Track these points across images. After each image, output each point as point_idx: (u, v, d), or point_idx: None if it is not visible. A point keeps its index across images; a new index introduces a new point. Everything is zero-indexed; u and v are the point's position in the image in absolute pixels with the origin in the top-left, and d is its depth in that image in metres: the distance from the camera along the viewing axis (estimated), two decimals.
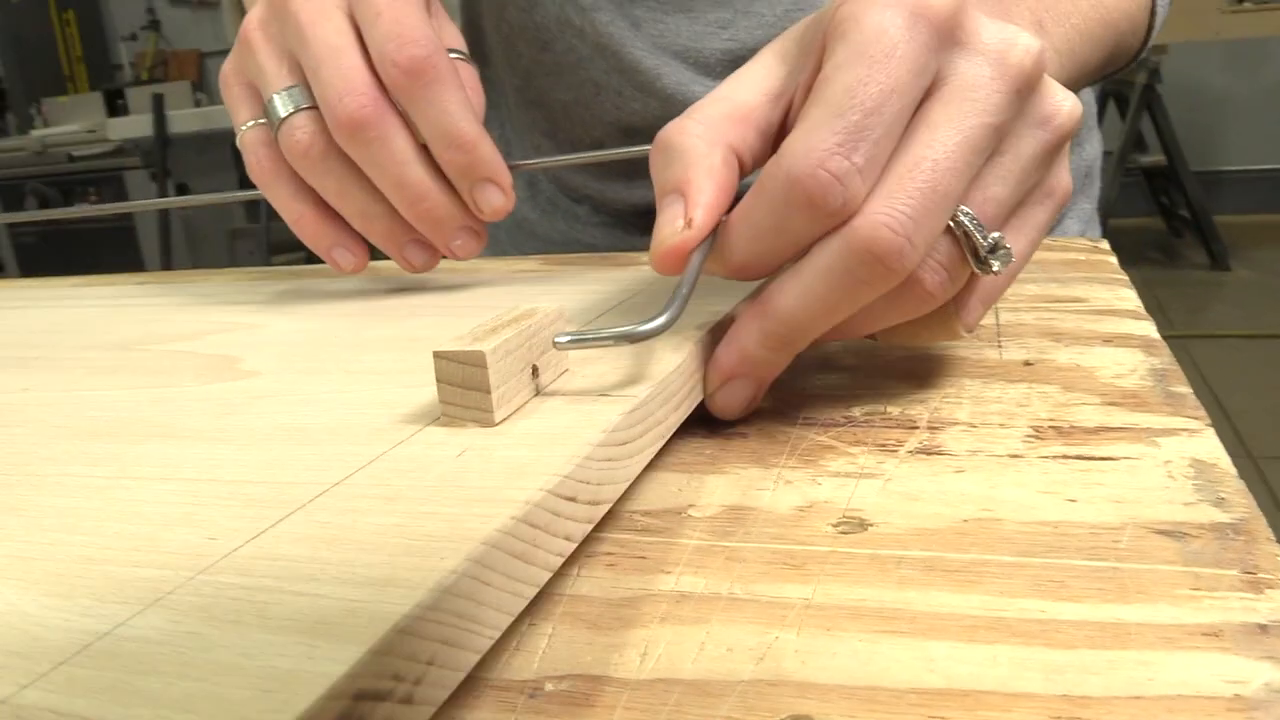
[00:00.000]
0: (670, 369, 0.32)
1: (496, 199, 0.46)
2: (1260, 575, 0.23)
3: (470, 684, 0.22)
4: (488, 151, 0.45)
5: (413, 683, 0.18)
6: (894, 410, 0.34)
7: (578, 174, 0.72)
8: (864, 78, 0.30)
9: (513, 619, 0.22)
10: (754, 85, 0.35)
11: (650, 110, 0.65)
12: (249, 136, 0.47)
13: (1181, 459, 0.29)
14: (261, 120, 0.47)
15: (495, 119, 0.76)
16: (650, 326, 0.30)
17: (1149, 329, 0.40)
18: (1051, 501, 0.27)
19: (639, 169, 0.69)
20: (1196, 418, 0.32)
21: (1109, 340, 0.39)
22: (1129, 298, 0.44)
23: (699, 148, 0.33)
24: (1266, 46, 4.02)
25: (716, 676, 0.21)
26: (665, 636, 0.23)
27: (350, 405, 0.31)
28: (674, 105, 0.64)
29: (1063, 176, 0.35)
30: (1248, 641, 0.21)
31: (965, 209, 0.31)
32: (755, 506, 0.29)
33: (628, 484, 0.28)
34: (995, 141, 0.32)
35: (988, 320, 0.42)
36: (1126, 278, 0.48)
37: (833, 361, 0.40)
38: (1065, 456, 0.30)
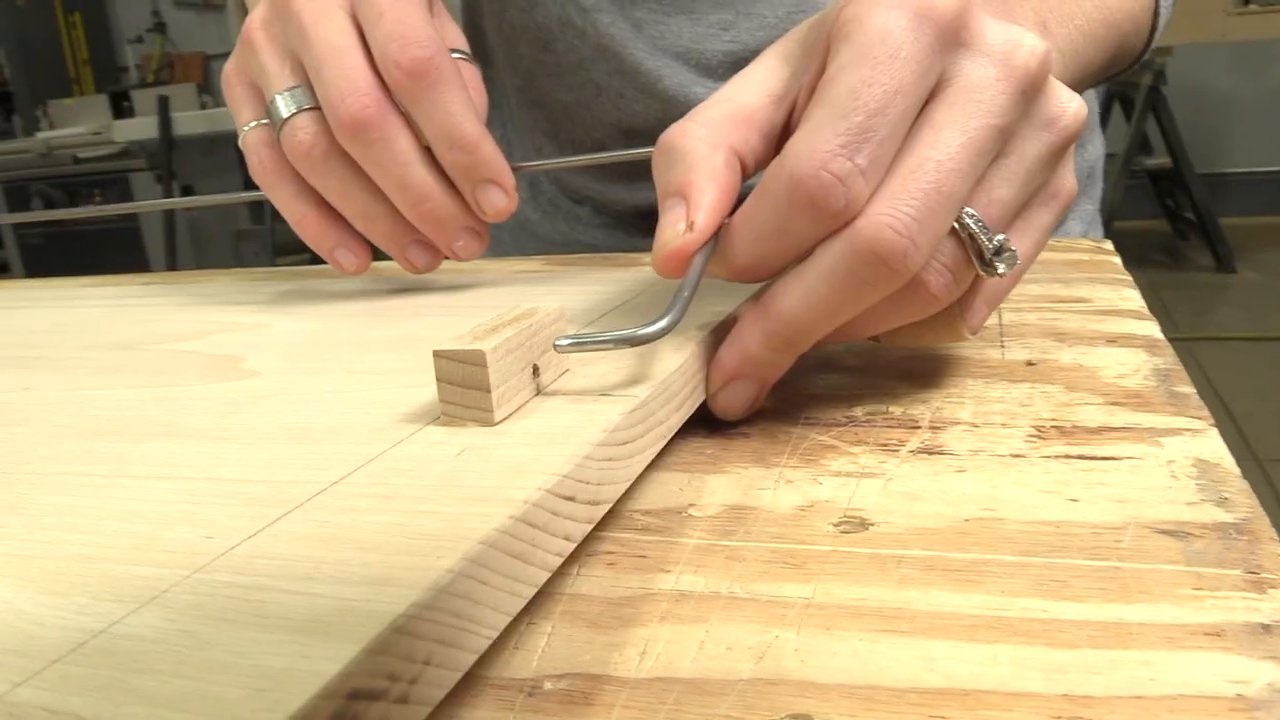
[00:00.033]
0: (672, 369, 0.31)
1: (499, 200, 0.45)
2: (1263, 575, 0.23)
3: (469, 682, 0.22)
4: (490, 152, 0.44)
5: (408, 682, 0.18)
6: (896, 410, 0.34)
7: (579, 175, 0.72)
8: (868, 79, 0.30)
9: (511, 619, 0.22)
10: (757, 87, 0.35)
11: (652, 112, 0.65)
12: (251, 137, 0.47)
13: (1185, 459, 0.29)
14: (264, 121, 0.47)
15: (497, 119, 0.76)
16: (652, 330, 0.30)
17: (1152, 329, 0.40)
18: (1054, 501, 0.27)
19: (641, 170, 0.69)
20: (1200, 418, 0.31)
21: (1112, 340, 0.39)
22: (1132, 298, 0.44)
23: (701, 150, 0.33)
24: (1272, 48, 4.01)
25: (715, 675, 0.21)
26: (665, 635, 0.23)
27: (351, 405, 0.31)
28: (675, 107, 0.64)
29: (1067, 178, 0.34)
30: (1250, 641, 0.21)
31: (970, 211, 0.31)
32: (756, 506, 0.28)
33: (628, 484, 0.28)
34: (1000, 143, 0.31)
35: (991, 321, 0.42)
36: (1130, 278, 0.47)
37: (835, 362, 0.40)
38: (1068, 456, 0.30)
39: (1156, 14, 0.62)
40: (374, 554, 0.20)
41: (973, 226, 0.31)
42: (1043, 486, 0.28)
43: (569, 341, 0.30)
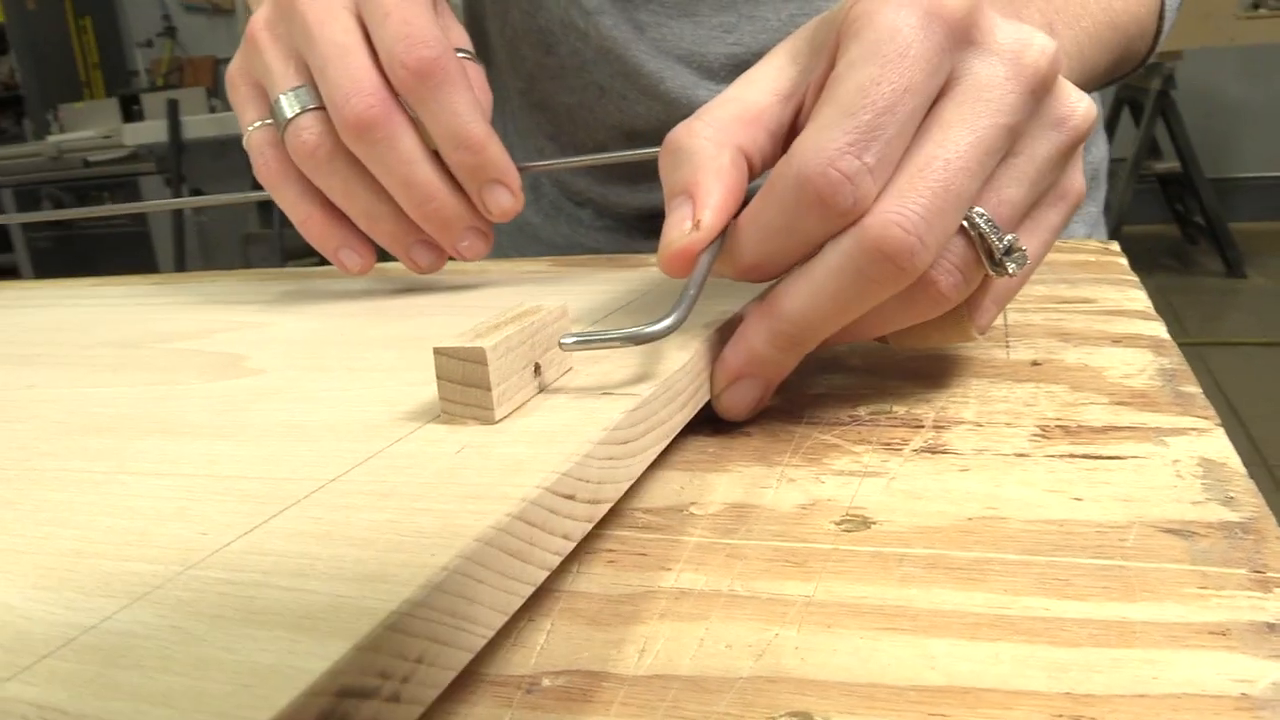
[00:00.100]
0: (676, 368, 0.31)
1: (505, 200, 0.45)
2: (1269, 574, 0.23)
3: (467, 679, 0.22)
4: (497, 152, 0.44)
5: (400, 680, 0.17)
6: (899, 410, 0.34)
7: (581, 177, 0.72)
8: (876, 77, 0.30)
9: (508, 617, 0.22)
10: (764, 86, 0.35)
11: (654, 114, 0.65)
12: (255, 137, 0.47)
13: (1190, 458, 0.29)
14: (268, 121, 0.47)
15: (499, 121, 0.76)
16: (657, 328, 0.30)
17: (1158, 329, 0.39)
18: (1057, 500, 0.27)
19: (642, 172, 0.68)
20: (1206, 417, 0.31)
21: (1118, 340, 0.39)
22: (1138, 298, 0.44)
23: (707, 149, 0.33)
24: None
25: (715, 673, 0.21)
26: (664, 633, 0.23)
27: (351, 403, 0.31)
28: (678, 109, 0.64)
29: (1076, 178, 0.34)
30: (1255, 640, 0.21)
31: (980, 210, 0.31)
32: (758, 504, 0.28)
33: (630, 483, 0.28)
34: (1009, 142, 0.31)
35: (996, 321, 0.42)
36: (1136, 279, 0.47)
37: (839, 362, 0.39)
38: (1072, 455, 0.29)
39: (1162, 17, 0.62)
40: (368, 551, 0.20)
41: (983, 226, 0.31)
42: (1047, 485, 0.28)
43: (574, 340, 0.30)
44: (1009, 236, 0.31)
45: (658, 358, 0.32)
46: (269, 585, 0.19)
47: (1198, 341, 2.88)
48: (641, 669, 0.22)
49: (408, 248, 0.47)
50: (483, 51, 0.74)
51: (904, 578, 0.24)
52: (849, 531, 0.26)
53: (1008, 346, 0.39)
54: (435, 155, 0.44)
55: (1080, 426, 0.31)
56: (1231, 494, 0.26)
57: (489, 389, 0.27)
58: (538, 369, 0.30)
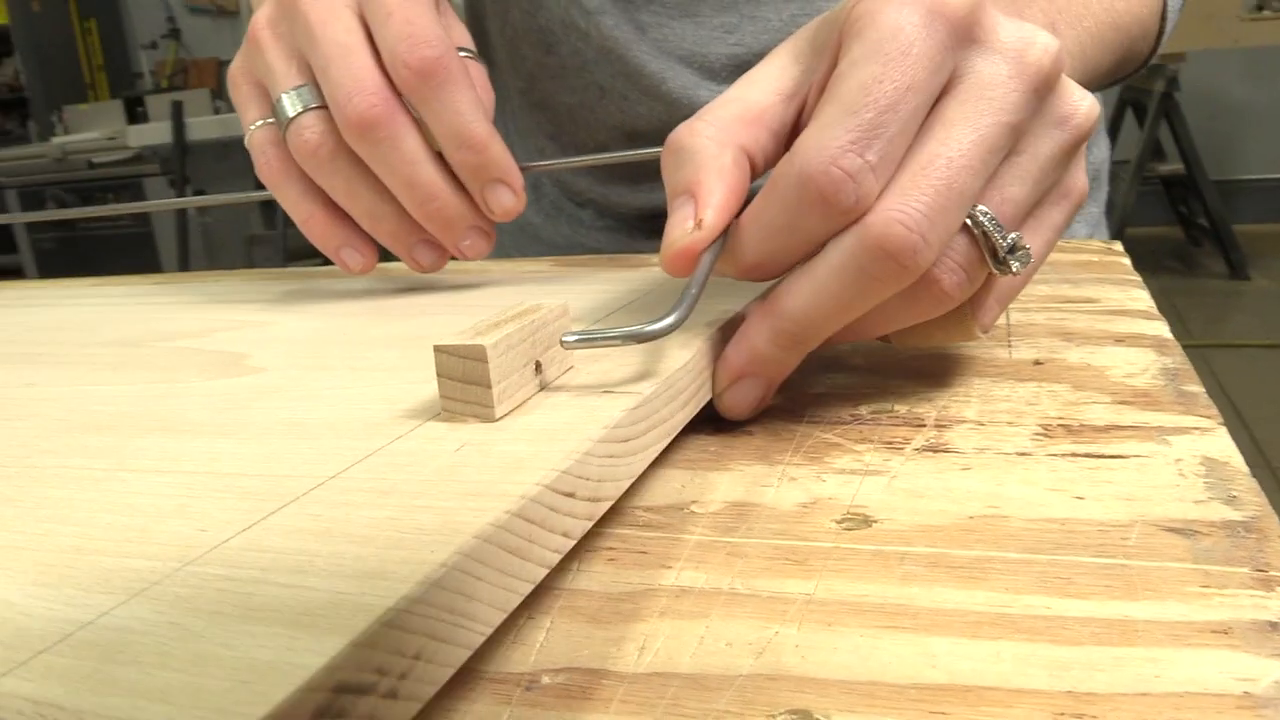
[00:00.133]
0: (677, 366, 0.31)
1: (507, 199, 0.45)
2: (1272, 573, 0.23)
3: (466, 676, 0.22)
4: (499, 152, 0.44)
5: (398, 677, 0.17)
6: (901, 409, 0.34)
7: (582, 177, 0.72)
8: (879, 75, 0.30)
9: (506, 615, 0.21)
10: (767, 85, 0.35)
11: (655, 114, 0.65)
12: (257, 136, 0.47)
13: (1193, 457, 0.28)
14: (270, 120, 0.47)
15: (499, 121, 0.76)
16: (658, 326, 0.30)
17: (1161, 329, 0.39)
18: (1059, 499, 0.27)
19: (643, 172, 0.68)
20: (1208, 416, 0.31)
21: (1120, 340, 0.38)
22: (1141, 298, 0.44)
23: (710, 149, 0.33)
24: None
25: (715, 670, 0.21)
26: (664, 631, 0.23)
27: (352, 401, 0.31)
28: (679, 109, 0.64)
29: (1080, 177, 0.34)
30: (1258, 639, 0.21)
31: (983, 208, 0.31)
32: (759, 503, 0.28)
33: (630, 481, 0.28)
34: (1012, 141, 0.31)
35: (999, 320, 0.42)
36: (1139, 279, 0.47)
37: (841, 361, 0.39)
38: (1074, 454, 0.29)
39: (1164, 18, 0.62)
40: (367, 548, 0.20)
41: (986, 224, 0.31)
42: (1048, 484, 0.28)
43: (575, 338, 0.30)
44: (1012, 235, 0.31)
45: (659, 356, 0.32)
46: (267, 582, 0.19)
47: (1201, 344, 2.88)
48: (641, 666, 0.21)
49: (410, 247, 0.47)
50: (483, 51, 0.74)
51: (905, 576, 0.24)
52: (850, 530, 0.26)
53: (1010, 346, 0.39)
54: (437, 155, 0.44)
55: (1082, 425, 0.31)
56: (1234, 493, 0.26)
57: (489, 386, 0.27)
58: (538, 367, 0.30)
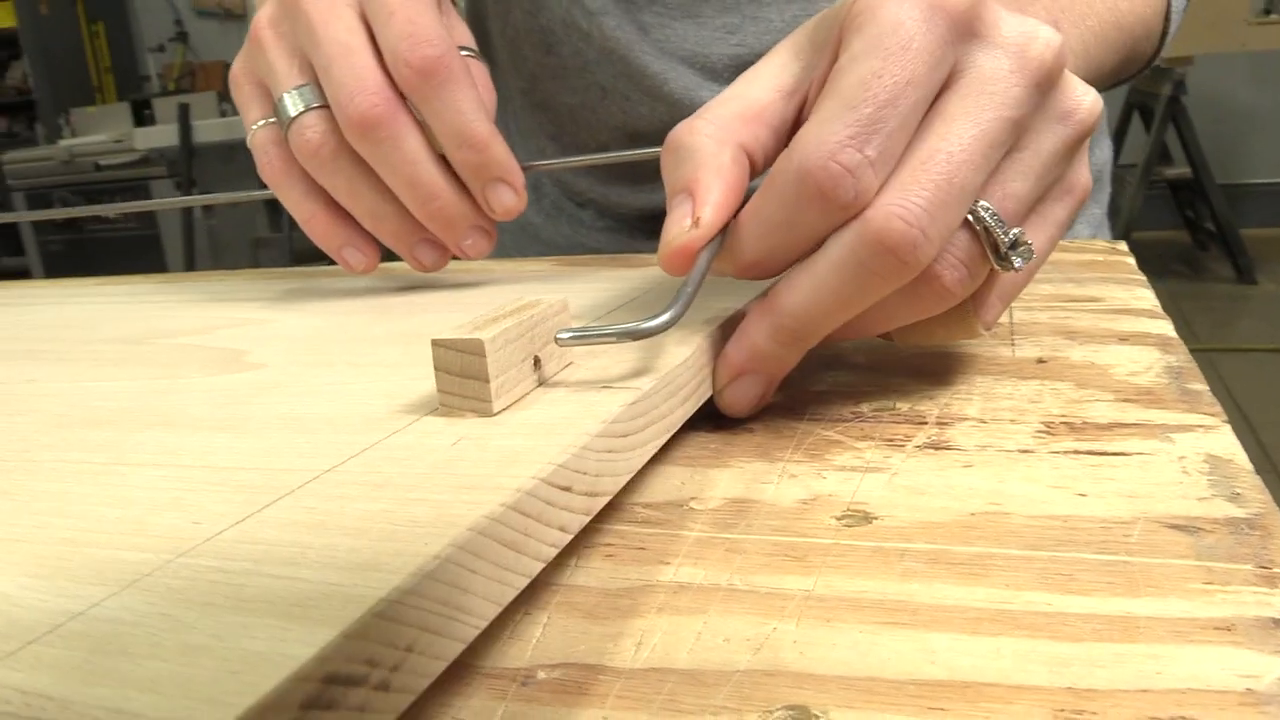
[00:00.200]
0: (677, 363, 0.31)
1: (509, 198, 0.45)
2: (1275, 569, 0.22)
3: (462, 672, 0.21)
4: (500, 151, 0.44)
5: (390, 669, 0.17)
6: (903, 406, 0.34)
7: (582, 178, 0.72)
8: (878, 70, 0.29)
9: (501, 609, 0.21)
10: (767, 82, 0.34)
11: (657, 115, 0.65)
12: (259, 136, 0.47)
13: (1196, 454, 0.28)
14: (272, 119, 0.47)
15: (501, 121, 0.75)
16: (654, 324, 0.29)
17: (1166, 328, 0.39)
18: (1061, 496, 0.27)
19: (644, 173, 0.68)
20: (1212, 414, 0.31)
21: (1124, 338, 0.38)
22: (1146, 297, 0.44)
23: (709, 147, 0.33)
24: None
25: (712, 666, 0.21)
26: (662, 626, 0.22)
27: (351, 396, 0.31)
28: (681, 110, 0.63)
29: (1082, 173, 0.34)
30: (1261, 636, 0.20)
31: (985, 204, 0.31)
32: (758, 499, 0.28)
33: (628, 477, 0.28)
34: (1014, 136, 0.31)
35: (1002, 319, 0.41)
36: (1144, 278, 0.47)
37: (843, 359, 0.39)
38: (1077, 452, 0.29)
39: (1168, 19, 0.61)
40: (361, 540, 0.20)
41: (988, 220, 0.30)
42: (1051, 482, 0.27)
43: (570, 335, 0.30)
44: (1014, 230, 0.31)
45: (659, 352, 0.32)
46: (260, 573, 0.19)
47: (1208, 347, 2.87)
48: (638, 662, 0.21)
49: (411, 246, 0.47)
50: (485, 51, 0.74)
51: (905, 572, 0.24)
52: (850, 526, 0.26)
53: (1013, 344, 0.39)
54: (439, 155, 0.44)
55: (1085, 423, 0.31)
56: (1238, 490, 0.26)
57: (487, 381, 0.27)
58: (537, 362, 0.30)
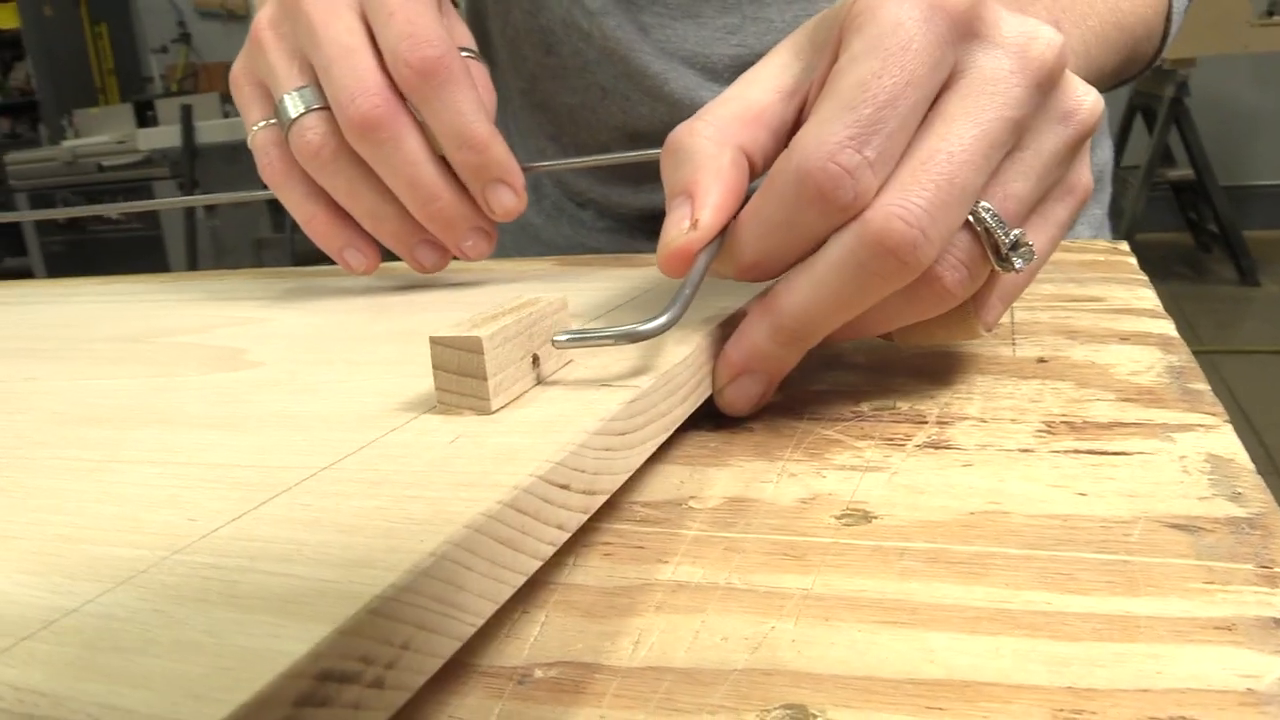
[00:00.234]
0: (676, 361, 0.31)
1: (508, 199, 0.45)
2: (1276, 569, 0.22)
3: (458, 670, 0.21)
4: (500, 152, 0.44)
5: (384, 666, 0.17)
6: (903, 406, 0.34)
7: (583, 178, 0.71)
8: (878, 70, 0.29)
9: (498, 607, 0.21)
10: (767, 83, 0.34)
11: (657, 115, 0.65)
12: (260, 137, 0.47)
13: (1197, 454, 0.28)
14: (272, 121, 0.47)
15: (500, 121, 0.75)
16: (651, 326, 0.29)
17: (1167, 327, 0.39)
18: (1061, 495, 0.26)
19: (645, 173, 0.68)
20: (1214, 414, 0.31)
21: (1126, 338, 0.38)
22: (1147, 297, 0.43)
23: (708, 149, 0.33)
24: None
25: (709, 665, 0.21)
26: (659, 625, 0.22)
27: (349, 394, 0.31)
28: (681, 110, 0.63)
29: (1084, 173, 0.34)
30: (1262, 635, 0.20)
31: (986, 205, 0.30)
32: (758, 498, 0.28)
33: (627, 475, 0.28)
34: (1015, 136, 0.31)
35: (1003, 318, 0.41)
36: (1145, 278, 0.47)
37: (843, 359, 0.39)
38: (1077, 451, 0.29)
39: (1169, 19, 0.61)
40: (356, 537, 0.20)
41: (989, 221, 0.30)
42: (1051, 481, 0.27)
43: (567, 337, 0.30)
44: (1015, 231, 0.31)
45: (658, 352, 0.32)
46: (254, 570, 0.19)
47: (1211, 349, 2.87)
48: (635, 661, 0.21)
49: (412, 248, 0.47)
50: (485, 51, 0.74)
51: (904, 571, 0.24)
52: (849, 525, 0.26)
53: (1014, 344, 0.39)
54: (440, 157, 0.44)
55: (1086, 423, 0.31)
56: (1239, 489, 0.26)
57: (485, 379, 0.27)
58: (536, 360, 0.30)
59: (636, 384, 0.29)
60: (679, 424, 0.31)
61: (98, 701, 0.15)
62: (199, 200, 0.60)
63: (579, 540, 0.26)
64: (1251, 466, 0.27)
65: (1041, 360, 0.36)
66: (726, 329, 0.34)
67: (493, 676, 0.21)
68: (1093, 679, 0.19)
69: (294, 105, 0.45)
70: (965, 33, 0.30)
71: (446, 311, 0.43)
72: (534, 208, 0.75)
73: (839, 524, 0.26)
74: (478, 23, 0.74)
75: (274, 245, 4.12)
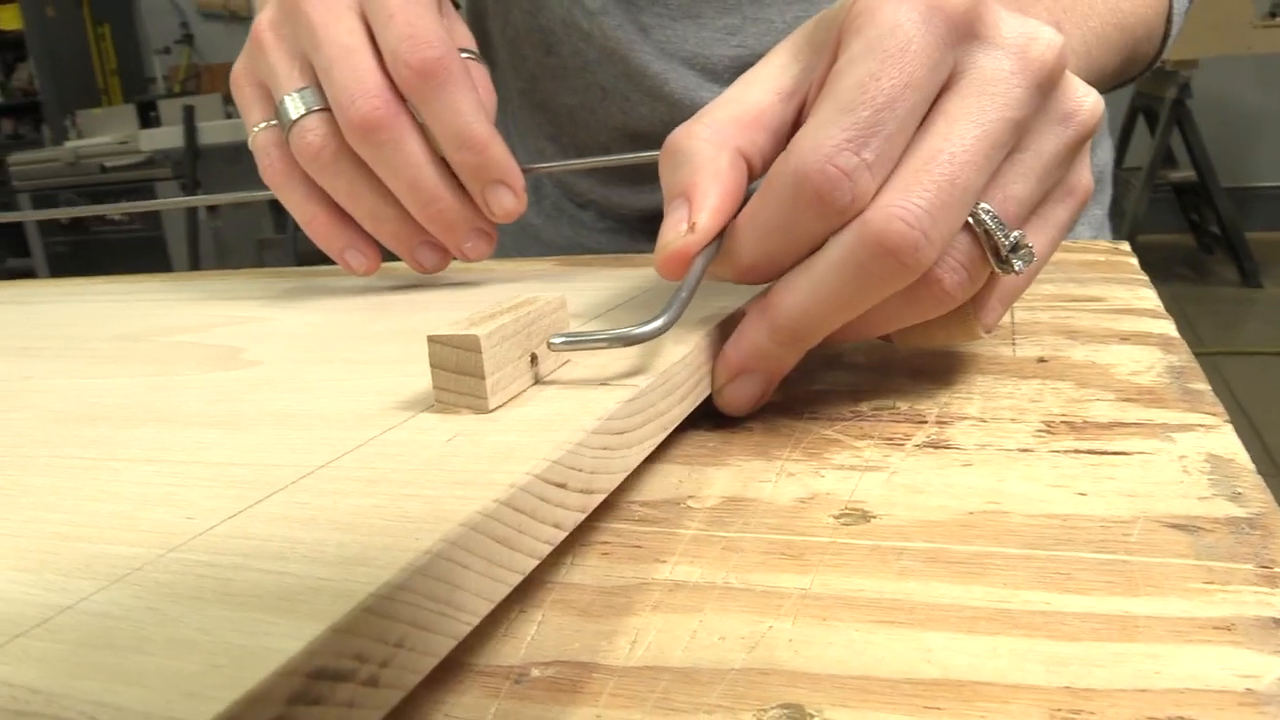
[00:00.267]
0: (674, 361, 0.31)
1: (508, 200, 0.45)
2: (1276, 569, 0.22)
3: (455, 669, 0.21)
4: (500, 153, 0.44)
5: (379, 664, 0.17)
6: (903, 405, 0.33)
7: (583, 179, 0.71)
8: (876, 72, 0.29)
9: (494, 606, 0.21)
10: (765, 85, 0.34)
11: (657, 115, 0.65)
12: (261, 138, 0.47)
13: (1197, 454, 0.28)
14: (273, 122, 0.47)
15: (500, 122, 0.75)
16: (647, 329, 0.29)
17: (1168, 327, 0.39)
18: (1061, 495, 0.26)
19: (645, 174, 0.68)
20: (1214, 414, 0.31)
21: (1126, 338, 0.38)
22: (1148, 297, 0.43)
23: (706, 151, 0.33)
24: None
25: (707, 664, 0.21)
26: (656, 625, 0.22)
27: (347, 392, 0.31)
28: (681, 110, 0.63)
29: (1084, 174, 0.34)
30: (1261, 635, 0.20)
31: (986, 206, 0.30)
32: (756, 498, 0.28)
33: (625, 474, 0.28)
34: (1015, 137, 0.31)
35: (1002, 319, 0.41)
36: (1146, 278, 0.47)
37: (842, 359, 0.39)
38: (1077, 451, 0.29)
39: (1170, 20, 0.61)
40: (351, 535, 0.20)
41: (989, 222, 0.30)
42: (1050, 480, 0.27)
43: (562, 340, 0.30)
44: (1015, 233, 0.31)
45: (657, 350, 0.32)
46: (248, 568, 0.18)
47: (1213, 351, 2.86)
48: (632, 660, 0.21)
49: (412, 249, 0.47)
50: (484, 51, 0.74)
51: (902, 571, 0.23)
52: (847, 525, 0.26)
53: (1014, 344, 0.38)
54: (440, 158, 0.44)
55: (1086, 423, 0.31)
56: (1239, 489, 0.26)
57: (483, 377, 0.27)
58: (534, 359, 0.30)
59: (635, 383, 0.29)
60: (677, 423, 0.31)
61: (92, 699, 0.15)
62: (201, 200, 0.60)
63: (576, 539, 0.26)
64: (1252, 466, 0.27)
65: (1041, 360, 0.36)
66: (725, 328, 0.34)
67: (489, 675, 0.21)
68: (1091, 679, 0.19)
69: (294, 106, 0.45)
70: (965, 34, 0.30)
71: (446, 311, 0.43)
72: (534, 208, 0.75)
73: (837, 524, 0.26)
74: (478, 23, 0.74)
75: (276, 246, 4.13)
